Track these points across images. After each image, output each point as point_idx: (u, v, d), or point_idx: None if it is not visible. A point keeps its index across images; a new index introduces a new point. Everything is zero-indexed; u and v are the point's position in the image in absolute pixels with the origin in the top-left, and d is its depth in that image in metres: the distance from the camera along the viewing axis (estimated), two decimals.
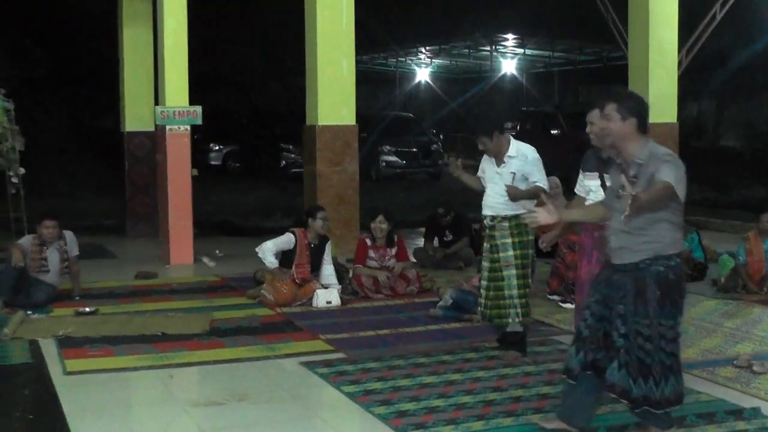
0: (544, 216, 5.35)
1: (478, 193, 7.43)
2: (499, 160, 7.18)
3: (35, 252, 9.39)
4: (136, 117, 14.83)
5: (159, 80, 12.32)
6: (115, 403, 6.23)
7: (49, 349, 7.49)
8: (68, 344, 7.60)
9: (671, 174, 4.97)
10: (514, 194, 7.00)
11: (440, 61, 36.84)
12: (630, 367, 5.08)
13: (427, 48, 33.97)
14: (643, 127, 5.18)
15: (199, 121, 12.01)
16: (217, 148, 27.93)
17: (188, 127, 11.89)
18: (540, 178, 7.13)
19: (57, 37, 24.35)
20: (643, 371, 5.06)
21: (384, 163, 25.87)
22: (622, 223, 5.09)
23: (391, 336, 7.91)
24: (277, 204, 17.71)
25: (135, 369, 6.93)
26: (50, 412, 5.97)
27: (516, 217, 7.08)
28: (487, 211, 7.22)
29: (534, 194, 7.06)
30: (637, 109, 5.19)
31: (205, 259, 11.89)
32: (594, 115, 6.14)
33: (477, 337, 7.75)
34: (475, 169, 7.52)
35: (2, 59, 13.81)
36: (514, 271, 7.10)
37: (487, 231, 7.24)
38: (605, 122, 5.23)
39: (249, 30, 28.52)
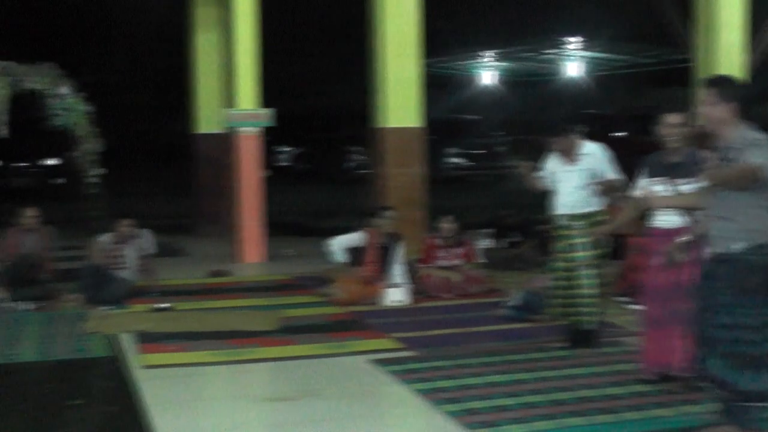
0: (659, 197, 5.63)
1: (545, 194, 7.51)
2: (570, 159, 7.26)
3: (113, 250, 9.69)
4: (206, 120, 15.12)
5: (230, 84, 12.57)
6: (191, 396, 6.43)
7: (127, 344, 7.73)
8: (145, 339, 7.83)
9: (758, 158, 4.97)
10: (605, 188, 7.10)
11: (505, 64, 36.79)
12: (733, 358, 5.06)
13: (492, 51, 33.97)
14: (742, 112, 5.19)
15: (270, 124, 12.24)
16: (286, 149, 28.24)
17: (259, 130, 12.12)
18: (615, 173, 7.21)
19: (131, 42, 24.89)
20: (746, 362, 5.04)
21: (450, 165, 25.97)
22: (718, 209, 5.13)
23: (460, 335, 8.01)
24: (345, 205, 17.88)
25: (209, 364, 7.12)
26: (130, 404, 6.17)
27: (589, 215, 7.17)
28: (560, 210, 7.30)
29: (616, 188, 7.15)
30: (737, 94, 5.20)
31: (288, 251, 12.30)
32: (672, 117, 6.18)
33: (544, 337, 7.80)
34: (539, 170, 7.60)
35: (81, 64, 14.24)
36: (587, 271, 7.18)
37: (560, 230, 7.33)
38: (704, 107, 5.25)
39: (314, 33, 28.80)
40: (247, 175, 12.07)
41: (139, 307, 9.18)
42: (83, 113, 12.44)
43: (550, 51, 31.87)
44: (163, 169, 22.72)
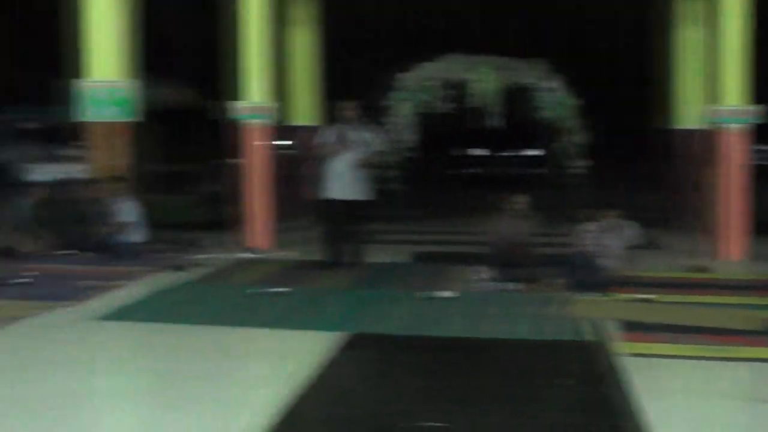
0: None
1: None
2: None
3: (598, 239, 10.10)
4: (686, 115, 15.09)
5: (715, 80, 12.46)
6: (677, 388, 6.59)
7: (611, 331, 8.04)
8: (628, 327, 8.11)
9: None
10: None
11: None
12: None
13: None
14: None
15: (756, 121, 12.02)
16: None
17: (745, 127, 11.95)
18: None
19: (612, 38, 25.40)
20: None
21: None
22: None
23: None
24: None
25: (693, 358, 7.21)
26: (619, 388, 6.40)
27: None
28: None
29: None
30: None
31: None
32: None
33: None
34: None
35: (570, 60, 14.80)
36: None
37: None
38: None
39: None
40: (731, 173, 11.98)
41: (621, 296, 9.48)
42: (570, 107, 13.08)
43: None
44: (638, 162, 22.82)
